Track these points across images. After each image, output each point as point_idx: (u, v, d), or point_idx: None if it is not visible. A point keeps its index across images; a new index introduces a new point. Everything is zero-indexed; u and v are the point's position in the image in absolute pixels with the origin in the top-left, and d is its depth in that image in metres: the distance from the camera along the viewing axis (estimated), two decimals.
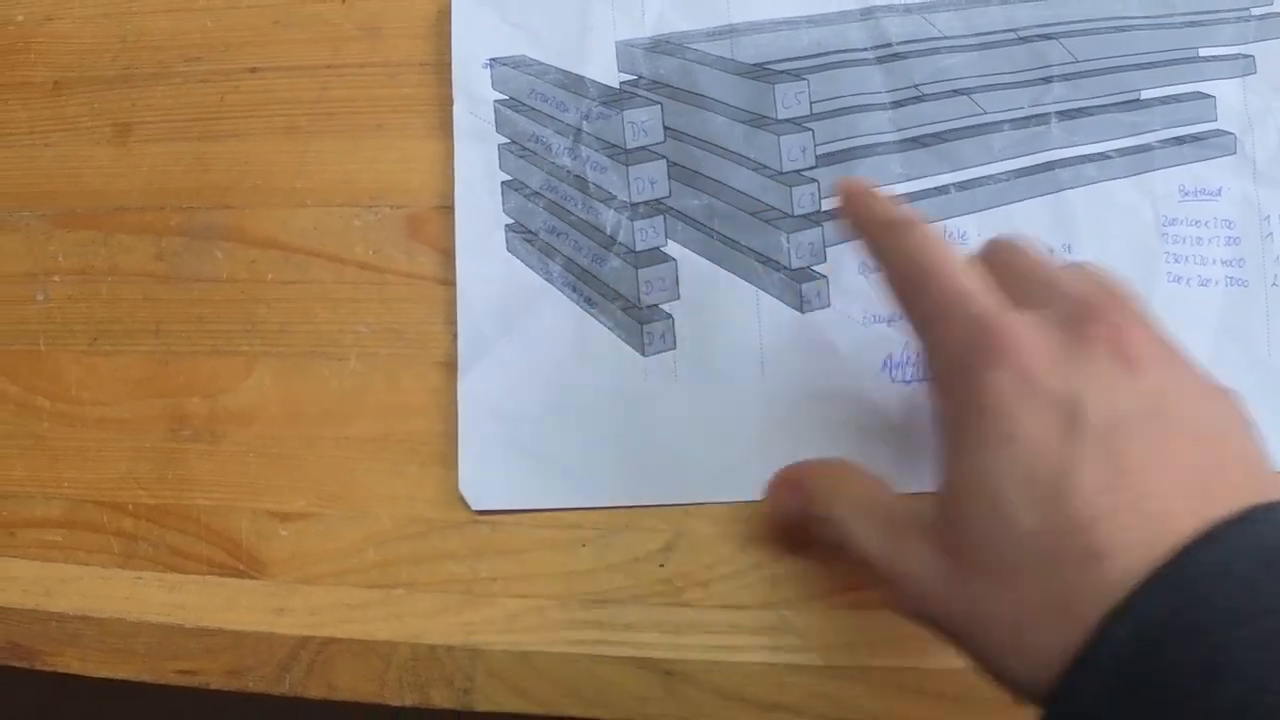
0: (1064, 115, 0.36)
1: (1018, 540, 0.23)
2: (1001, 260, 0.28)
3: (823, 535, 0.29)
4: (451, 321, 0.36)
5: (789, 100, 0.36)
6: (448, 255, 0.36)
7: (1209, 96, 0.36)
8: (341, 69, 0.38)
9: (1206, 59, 0.37)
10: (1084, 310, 0.25)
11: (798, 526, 0.31)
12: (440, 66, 0.38)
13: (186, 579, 0.36)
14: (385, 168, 0.37)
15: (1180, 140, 0.36)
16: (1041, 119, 0.36)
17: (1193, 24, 0.37)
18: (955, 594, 0.24)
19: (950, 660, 0.33)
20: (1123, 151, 0.36)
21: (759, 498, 0.34)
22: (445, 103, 0.37)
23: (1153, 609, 0.20)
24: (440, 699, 0.34)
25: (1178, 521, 0.21)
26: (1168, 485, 0.22)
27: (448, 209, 0.37)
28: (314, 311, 0.37)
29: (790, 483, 0.32)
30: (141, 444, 0.37)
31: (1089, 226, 0.35)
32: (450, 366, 0.36)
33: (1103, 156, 0.36)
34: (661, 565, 0.34)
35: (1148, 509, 0.22)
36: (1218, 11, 0.37)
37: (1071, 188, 0.36)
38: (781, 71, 0.36)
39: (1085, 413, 0.23)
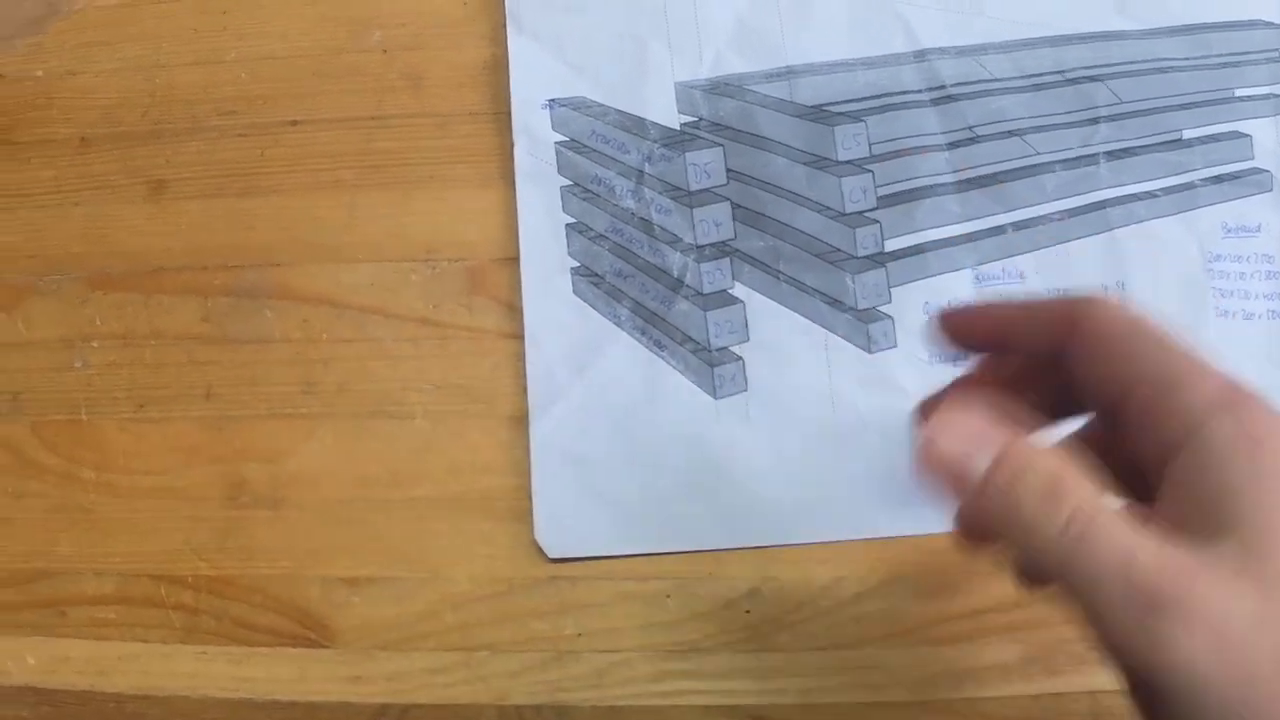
0: (1111, 155, 0.37)
1: None
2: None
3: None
4: (518, 376, 0.35)
5: (849, 142, 0.36)
6: (511, 308, 0.36)
7: (1245, 135, 0.38)
8: (387, 120, 0.37)
9: (1242, 99, 0.38)
10: None
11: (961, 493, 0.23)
12: (490, 116, 0.37)
13: (254, 651, 0.35)
14: (440, 220, 0.37)
15: (1220, 179, 0.38)
16: (1091, 159, 0.37)
17: (1228, 65, 0.38)
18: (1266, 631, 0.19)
19: (1027, 687, 0.34)
20: (1168, 190, 0.37)
21: (837, 537, 0.35)
22: (497, 152, 0.37)
23: None
24: None
25: None
26: None
27: (507, 261, 0.36)
28: (374, 370, 0.36)
29: (975, 430, 0.22)
30: (198, 513, 0.36)
31: (1140, 264, 0.36)
32: (519, 421, 0.35)
33: (1149, 195, 0.37)
34: (748, 611, 0.34)
35: None
36: (1250, 53, 0.38)
37: (1122, 226, 0.37)
38: (840, 113, 0.37)
39: None
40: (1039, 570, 0.23)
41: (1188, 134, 0.38)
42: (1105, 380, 0.23)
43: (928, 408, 0.27)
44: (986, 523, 0.21)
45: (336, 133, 0.37)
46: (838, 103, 0.37)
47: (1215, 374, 0.23)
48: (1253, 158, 0.38)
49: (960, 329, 0.27)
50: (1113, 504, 0.21)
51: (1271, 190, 0.38)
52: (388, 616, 0.35)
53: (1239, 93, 0.38)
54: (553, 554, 0.34)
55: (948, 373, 0.36)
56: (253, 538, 0.35)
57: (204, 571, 0.35)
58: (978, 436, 0.22)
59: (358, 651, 0.35)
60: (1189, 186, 0.38)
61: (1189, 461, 0.21)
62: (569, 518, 0.35)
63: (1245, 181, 0.38)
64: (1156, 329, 0.23)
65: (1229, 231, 0.37)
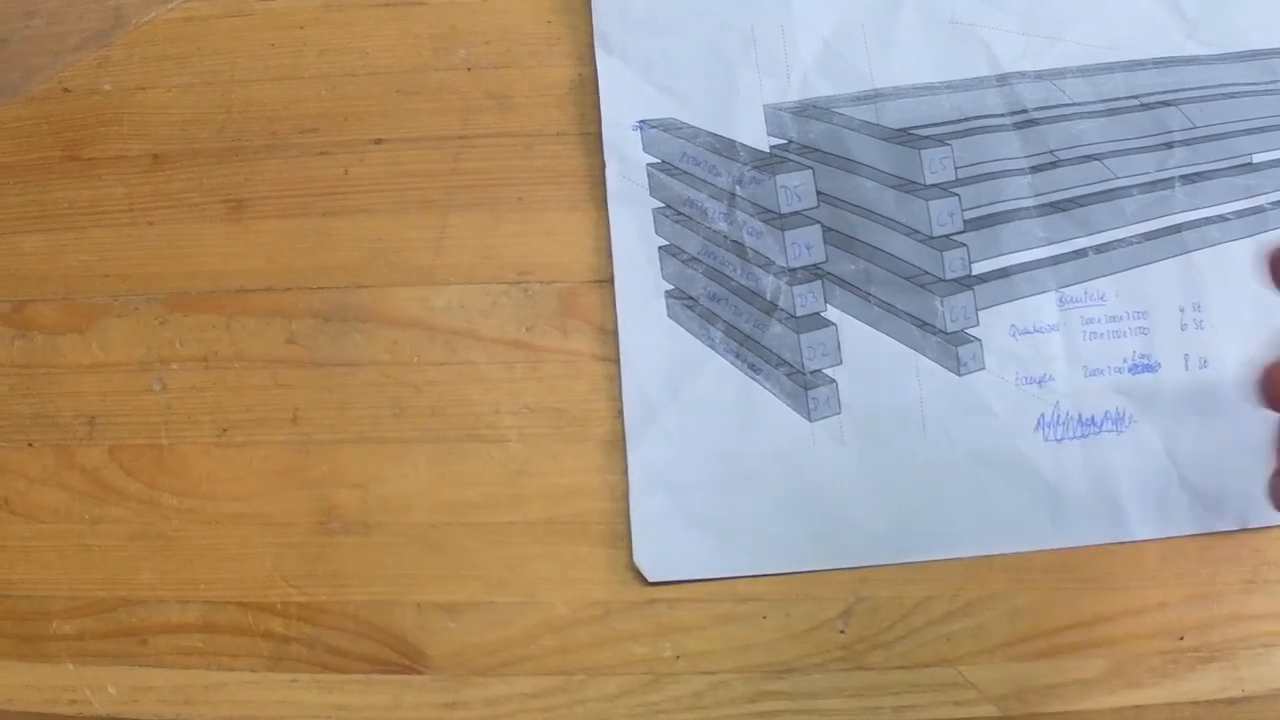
0: (1186, 179, 0.38)
1: None
2: None
3: None
4: (613, 398, 0.35)
5: (935, 165, 0.37)
6: (604, 331, 0.36)
7: None
8: (474, 140, 0.37)
9: None
10: None
11: None
12: (577, 136, 0.37)
13: (346, 679, 0.35)
14: (530, 242, 0.36)
15: None
16: (1166, 183, 0.38)
17: None
18: None
19: (1109, 700, 0.35)
20: (1240, 214, 0.38)
21: (927, 557, 0.35)
22: (586, 173, 0.37)
23: None
24: None
25: None
26: None
27: (600, 284, 0.36)
28: (466, 393, 0.36)
29: None
30: (286, 539, 0.35)
31: (1215, 286, 0.37)
32: (613, 444, 0.35)
33: (1222, 219, 0.38)
34: (842, 631, 0.35)
35: None
36: None
37: (1198, 249, 0.38)
38: (925, 136, 0.37)
39: None
40: None
41: (1258, 158, 0.39)
42: None
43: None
44: None
45: (422, 151, 0.37)
46: (923, 126, 0.37)
47: None
48: None
49: None
50: None
51: None
52: (484, 642, 0.35)
53: None
54: (652, 577, 0.34)
55: (1033, 394, 0.36)
56: (343, 563, 0.35)
57: (293, 598, 0.35)
58: None
59: (454, 678, 0.34)
60: (1259, 210, 0.39)
61: None
62: (666, 541, 0.35)
63: None
64: None
65: None
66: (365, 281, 0.36)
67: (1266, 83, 0.40)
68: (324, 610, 0.35)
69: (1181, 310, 0.38)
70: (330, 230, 0.37)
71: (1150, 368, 0.37)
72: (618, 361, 0.35)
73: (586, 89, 0.37)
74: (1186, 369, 0.37)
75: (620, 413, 0.35)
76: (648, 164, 0.37)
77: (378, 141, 0.37)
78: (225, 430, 0.36)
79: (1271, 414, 0.28)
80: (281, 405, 0.36)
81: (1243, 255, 0.38)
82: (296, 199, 0.37)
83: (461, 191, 0.37)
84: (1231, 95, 0.40)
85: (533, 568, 0.35)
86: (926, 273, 0.36)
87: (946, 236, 0.37)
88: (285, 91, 0.38)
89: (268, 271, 0.37)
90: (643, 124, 0.37)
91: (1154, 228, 0.38)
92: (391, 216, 0.37)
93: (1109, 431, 0.36)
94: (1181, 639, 0.35)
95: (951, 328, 0.36)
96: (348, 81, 0.38)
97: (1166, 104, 0.39)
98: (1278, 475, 0.29)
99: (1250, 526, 0.36)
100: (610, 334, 0.36)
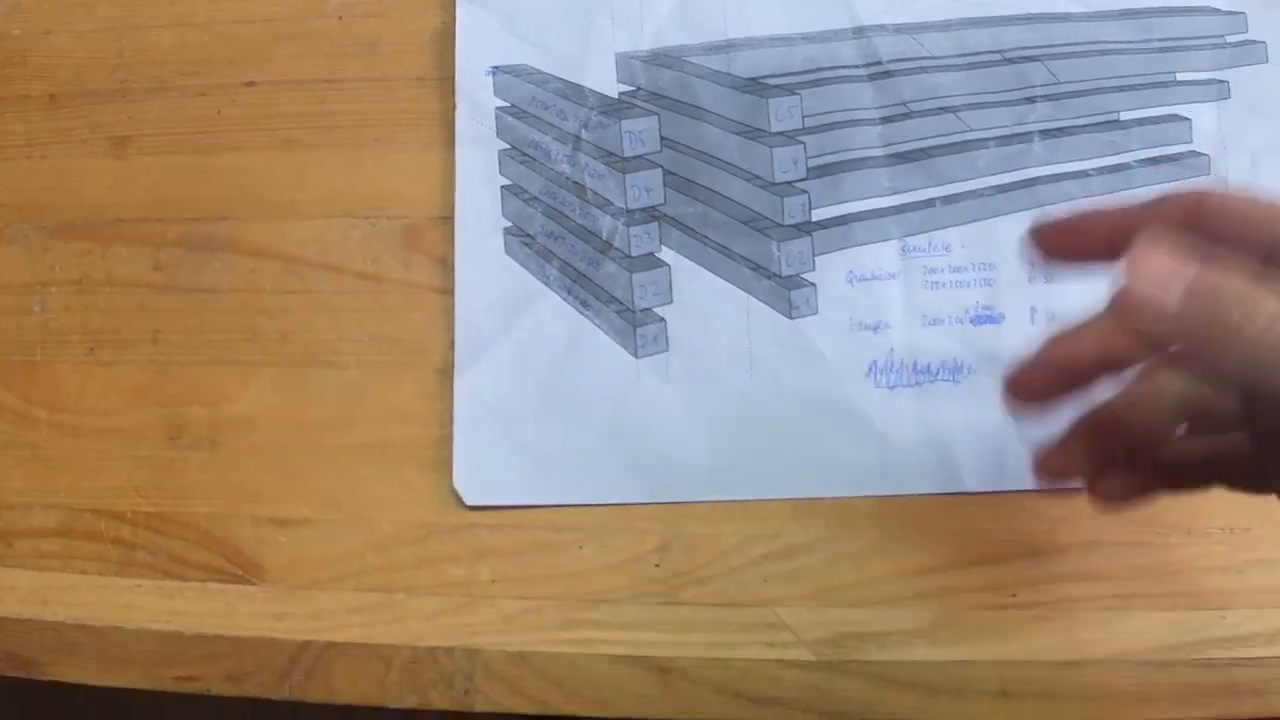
0: (1046, 134, 0.38)
1: None
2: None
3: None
4: (448, 329, 0.37)
5: (782, 114, 0.37)
6: (445, 265, 0.37)
7: (1185, 119, 0.38)
8: (340, 83, 0.39)
9: (1183, 83, 0.38)
10: None
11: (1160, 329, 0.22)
12: (437, 81, 0.39)
13: (185, 586, 0.36)
14: (383, 180, 0.38)
15: (1156, 160, 0.38)
16: (1024, 137, 0.38)
17: (1170, 49, 0.39)
18: None
19: (934, 653, 0.34)
20: (1102, 170, 0.38)
21: (747, 497, 0.35)
22: (442, 117, 0.38)
23: None
24: (440, 700, 0.35)
25: None
26: None
27: (444, 220, 0.37)
28: (314, 321, 0.37)
29: (1171, 257, 0.22)
30: (140, 453, 0.37)
31: None
32: (446, 374, 0.36)
33: (1083, 174, 0.38)
34: (657, 565, 0.35)
35: None
36: (1194, 38, 0.39)
37: (1052, 204, 0.37)
38: (776, 86, 0.37)
39: None
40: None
41: (1126, 116, 0.38)
42: (1251, 239, 0.23)
43: (1016, 381, 0.28)
44: (1181, 348, 0.21)
45: (290, 94, 0.39)
46: (775, 76, 0.38)
47: None
48: (1191, 141, 0.38)
49: (1059, 241, 0.26)
50: None
51: (1209, 174, 0.38)
52: (313, 557, 0.36)
53: (1181, 77, 0.39)
54: (470, 501, 0.35)
55: (866, 340, 0.36)
56: (189, 477, 0.37)
57: (142, 508, 0.37)
58: (1168, 274, 0.22)
59: (283, 589, 0.36)
60: (1124, 167, 0.38)
61: None
62: (488, 467, 0.36)
63: (1182, 164, 0.38)
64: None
65: None
66: (230, 215, 0.39)
67: (1141, 41, 0.39)
68: (169, 520, 0.37)
69: (1031, 263, 0.37)
70: (202, 166, 0.39)
71: (993, 319, 0.37)
72: (455, 294, 0.37)
73: (450, 37, 0.39)
74: (1032, 322, 0.37)
75: (454, 344, 0.36)
76: (497, 107, 0.38)
77: (250, 84, 0.39)
78: (93, 349, 0.38)
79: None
80: (144, 328, 0.38)
81: None
82: (174, 137, 0.39)
83: (325, 132, 0.39)
84: (1104, 53, 0.39)
85: (363, 489, 0.36)
86: (765, 218, 0.37)
87: (789, 183, 0.37)
88: (174, 37, 0.40)
89: (143, 204, 0.39)
90: (496, 69, 0.38)
91: (1007, 180, 0.38)
92: (258, 154, 0.39)
93: (944, 381, 0.36)
94: (1014, 595, 0.35)
95: (787, 272, 0.37)
96: (231, 28, 0.40)
97: (1031, 59, 0.39)
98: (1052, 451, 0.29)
99: None
100: (451, 268, 0.37)
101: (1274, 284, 0.21)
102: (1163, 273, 0.22)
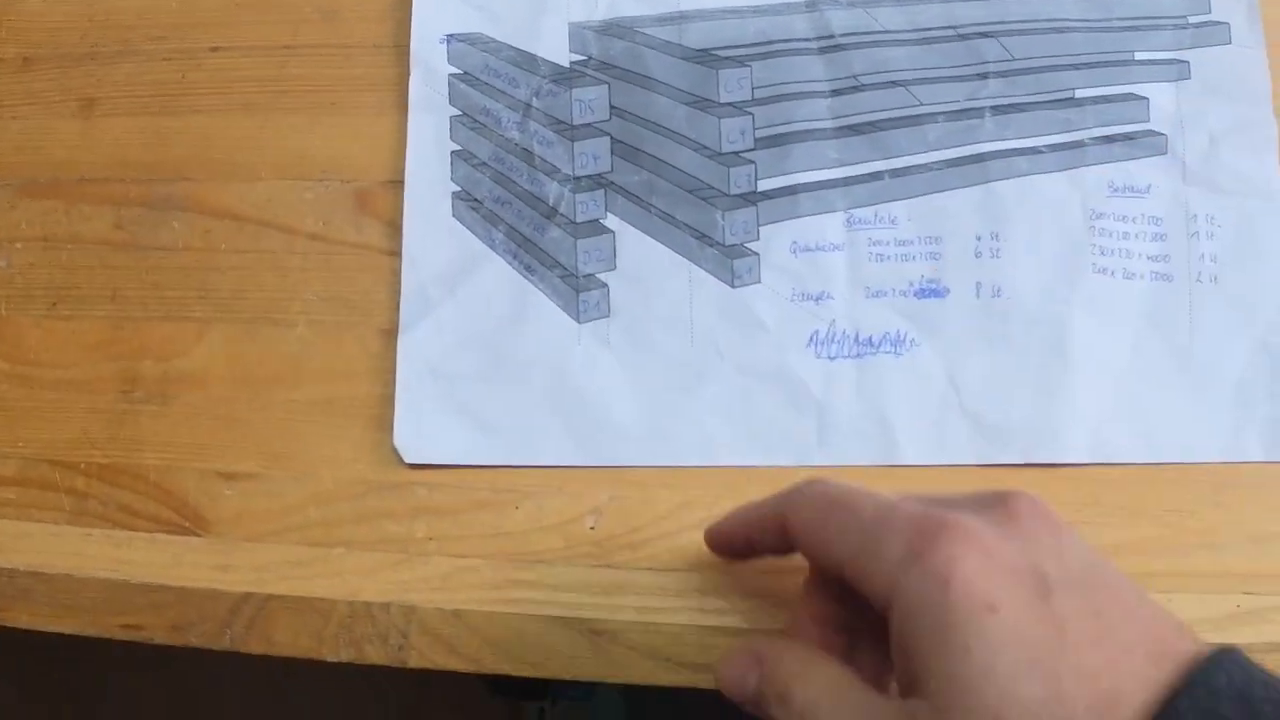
0: (998, 110, 0.38)
1: (1025, 707, 0.22)
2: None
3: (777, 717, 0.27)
4: (395, 290, 0.37)
5: (731, 85, 0.37)
6: (395, 228, 0.38)
7: (1142, 98, 0.38)
8: (300, 49, 0.40)
9: (1142, 62, 0.38)
10: (997, 495, 0.26)
11: (749, 703, 0.28)
12: (394, 49, 0.39)
13: (134, 536, 0.37)
14: (338, 144, 0.39)
15: (1111, 139, 0.38)
16: (976, 113, 0.38)
17: (1130, 28, 0.39)
18: None
19: None
20: (1055, 147, 0.37)
21: (684, 463, 0.36)
22: (397, 83, 0.39)
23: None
24: (375, 655, 0.35)
25: (1174, 649, 0.23)
26: (1146, 623, 0.23)
27: (395, 184, 0.38)
28: (265, 279, 0.38)
29: (750, 655, 0.28)
30: (95, 405, 0.38)
31: (1017, 216, 0.37)
32: (393, 334, 0.37)
33: (1034, 151, 0.37)
34: (592, 528, 0.35)
35: (1147, 649, 0.23)
36: (1155, 18, 0.38)
37: (1002, 179, 0.37)
38: (726, 58, 0.38)
39: (1049, 574, 0.23)
40: None
41: (1081, 93, 0.38)
42: (825, 566, 0.27)
43: (709, 537, 0.33)
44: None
45: (252, 59, 0.40)
46: (726, 47, 0.38)
47: (904, 524, 0.25)
48: (1148, 120, 0.38)
49: (721, 543, 0.33)
50: (841, 682, 0.26)
51: (1165, 153, 0.38)
52: (257, 510, 0.37)
53: (1140, 56, 0.38)
54: (409, 459, 0.36)
55: (808, 310, 0.37)
56: (141, 430, 0.38)
57: (95, 459, 0.38)
58: (748, 659, 0.28)
59: (228, 541, 0.37)
60: (1078, 145, 0.38)
61: (894, 623, 0.25)
62: (429, 427, 0.36)
63: (1138, 143, 0.38)
64: (849, 499, 0.27)
65: (1115, 191, 0.37)
66: (190, 175, 0.39)
67: (1098, 19, 0.39)
68: (121, 472, 0.38)
69: (978, 239, 0.37)
70: (165, 129, 0.40)
71: (938, 293, 0.37)
72: (402, 256, 0.37)
73: (408, 5, 0.39)
74: (978, 297, 0.37)
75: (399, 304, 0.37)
76: (450, 74, 0.39)
77: (214, 49, 0.40)
78: (55, 304, 0.39)
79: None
80: (104, 284, 0.39)
81: (1052, 188, 0.37)
82: (139, 99, 0.40)
83: (283, 96, 0.39)
84: (1060, 30, 0.39)
85: (307, 444, 0.37)
86: (711, 187, 0.37)
87: (735, 153, 0.37)
88: (145, 2, 0.41)
89: (107, 164, 0.40)
90: (450, 37, 0.39)
91: (957, 155, 0.38)
92: (219, 117, 0.40)
93: (886, 353, 0.36)
94: None
95: (730, 241, 0.37)
96: None
97: (985, 35, 0.38)
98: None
99: (1035, 462, 0.36)
100: (400, 230, 0.38)
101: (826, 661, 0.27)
102: (738, 670, 0.28)
